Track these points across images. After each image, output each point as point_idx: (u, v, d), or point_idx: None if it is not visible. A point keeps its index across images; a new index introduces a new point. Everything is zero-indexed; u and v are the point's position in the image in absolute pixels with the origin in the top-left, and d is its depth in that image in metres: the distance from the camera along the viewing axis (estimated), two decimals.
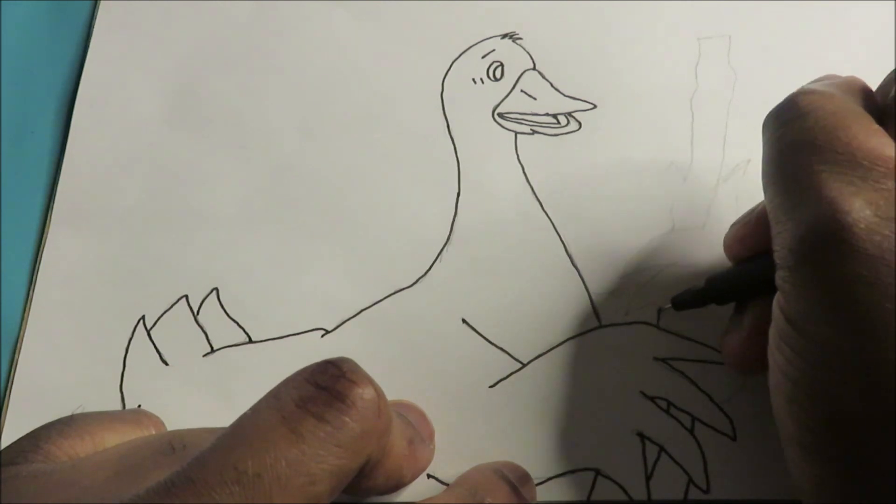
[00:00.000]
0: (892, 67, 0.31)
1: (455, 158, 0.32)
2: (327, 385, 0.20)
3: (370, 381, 0.21)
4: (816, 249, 0.19)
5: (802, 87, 0.23)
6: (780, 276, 0.21)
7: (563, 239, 0.30)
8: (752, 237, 0.25)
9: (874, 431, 0.19)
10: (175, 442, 0.22)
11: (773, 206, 0.22)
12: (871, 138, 0.20)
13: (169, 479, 0.18)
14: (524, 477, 0.26)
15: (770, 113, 0.23)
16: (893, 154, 0.20)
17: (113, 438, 0.24)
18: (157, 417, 0.27)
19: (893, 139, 0.20)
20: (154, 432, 0.26)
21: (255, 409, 0.20)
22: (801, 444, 0.20)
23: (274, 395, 0.20)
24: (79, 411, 0.29)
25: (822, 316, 0.19)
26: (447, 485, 0.27)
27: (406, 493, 0.27)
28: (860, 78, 0.24)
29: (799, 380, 0.20)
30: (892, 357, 0.18)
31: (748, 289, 0.25)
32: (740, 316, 0.26)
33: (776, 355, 0.21)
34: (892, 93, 0.22)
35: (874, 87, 0.23)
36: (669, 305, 0.28)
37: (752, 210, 0.26)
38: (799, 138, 0.21)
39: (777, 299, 0.21)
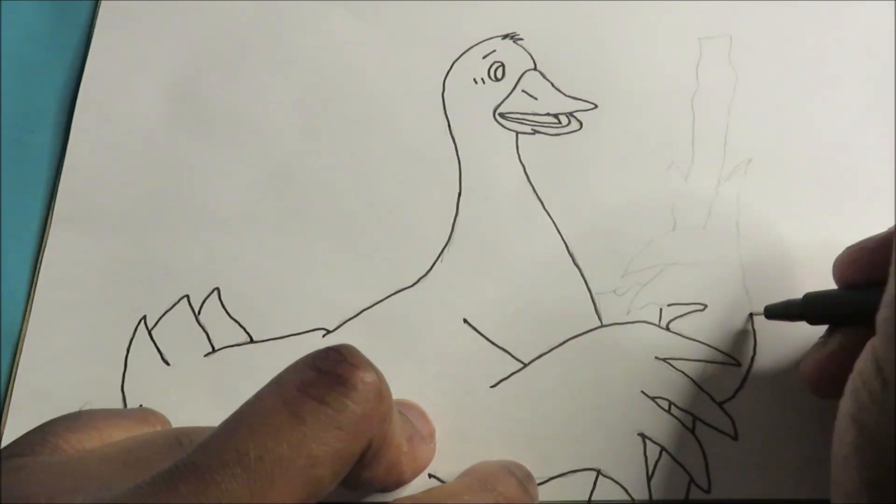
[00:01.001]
0: (892, 67, 0.32)
1: (456, 158, 0.32)
2: (329, 369, 0.20)
3: (371, 366, 0.21)
4: None
5: None
6: (881, 317, 0.20)
7: (565, 238, 0.30)
8: (866, 262, 0.24)
9: None
10: (182, 437, 0.22)
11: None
12: None
13: (173, 465, 0.18)
14: (528, 476, 0.26)
15: None
16: None
17: (119, 434, 0.24)
18: (164, 416, 0.27)
19: None
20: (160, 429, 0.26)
21: (258, 395, 0.20)
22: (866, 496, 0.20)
23: (276, 381, 0.20)
24: (85, 409, 0.29)
25: None
26: None
27: (406, 492, 0.27)
28: None
29: (869, 428, 0.19)
30: None
31: (848, 316, 0.24)
32: (827, 338, 0.25)
33: (852, 399, 0.20)
34: None
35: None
36: (761, 313, 0.28)
37: (874, 236, 0.25)
38: None
39: (873, 342, 0.20)
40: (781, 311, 0.27)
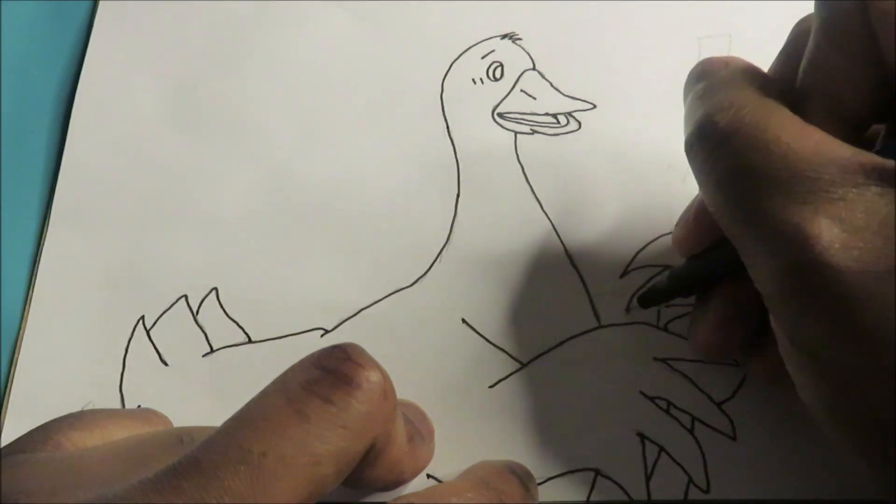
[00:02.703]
0: None
1: (455, 158, 0.32)
2: (333, 368, 0.20)
3: (376, 365, 0.21)
4: (800, 281, 0.19)
5: (710, 99, 0.21)
6: (770, 303, 0.20)
7: (563, 239, 0.30)
8: (694, 236, 0.26)
9: None
10: (184, 436, 0.22)
11: (732, 235, 0.21)
12: (803, 142, 0.19)
13: (176, 461, 0.18)
14: (529, 475, 0.26)
15: (690, 139, 0.22)
16: (828, 151, 0.19)
17: (122, 433, 0.24)
18: (166, 416, 0.27)
19: (810, 121, 0.20)
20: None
21: (262, 393, 0.20)
22: (857, 449, 0.21)
23: (281, 380, 0.20)
24: (87, 408, 0.29)
25: (829, 341, 0.19)
26: None
27: (405, 492, 0.27)
28: (740, 59, 0.23)
29: (834, 404, 0.20)
30: None
31: (707, 281, 0.26)
32: (704, 305, 0.26)
33: (800, 378, 0.21)
34: (801, 71, 0.21)
35: None
36: (636, 304, 0.28)
37: (689, 208, 0.26)
38: (733, 166, 0.20)
39: (776, 325, 0.21)
40: (656, 296, 0.27)
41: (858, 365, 0.19)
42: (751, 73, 0.22)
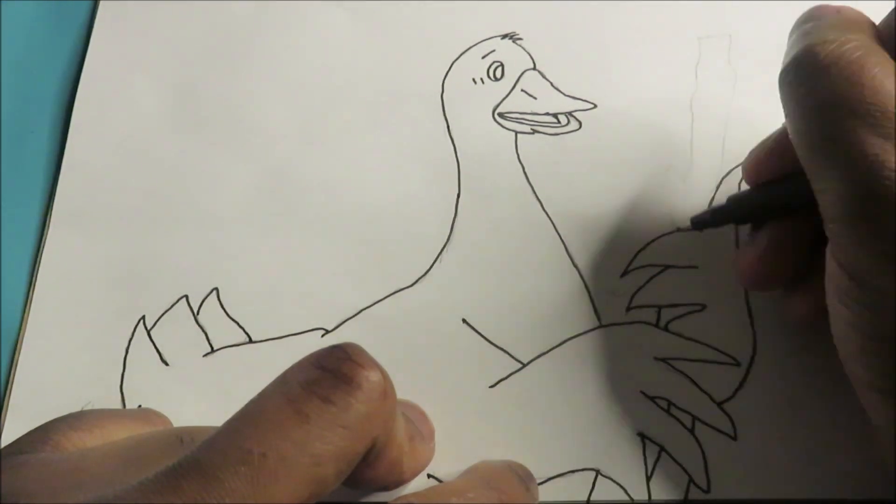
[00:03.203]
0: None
1: (455, 158, 0.32)
2: (334, 368, 0.20)
3: (376, 365, 0.21)
4: (869, 207, 0.20)
5: (815, 34, 0.22)
6: (832, 231, 0.21)
7: (564, 238, 0.30)
8: (766, 165, 0.26)
9: None
10: (184, 436, 0.22)
11: (810, 161, 0.22)
12: None
13: (177, 462, 0.18)
14: (529, 475, 0.26)
15: (787, 68, 0.23)
16: None
17: (122, 433, 0.24)
18: (166, 417, 0.27)
19: None
20: None
21: (262, 394, 0.20)
22: (879, 390, 0.21)
23: (281, 380, 0.20)
24: (87, 409, 0.29)
25: (887, 269, 0.20)
26: None
27: (406, 492, 0.27)
28: (853, 8, 0.24)
29: (870, 331, 0.21)
30: None
31: (770, 210, 0.26)
32: (756, 235, 0.27)
33: (840, 309, 0.22)
34: None
35: None
36: (689, 226, 0.28)
37: (770, 137, 0.27)
38: (826, 96, 0.21)
39: (832, 253, 0.22)
40: (710, 219, 0.28)
41: None
42: (860, 20, 0.23)
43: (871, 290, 0.21)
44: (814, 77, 0.21)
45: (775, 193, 0.26)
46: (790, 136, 0.23)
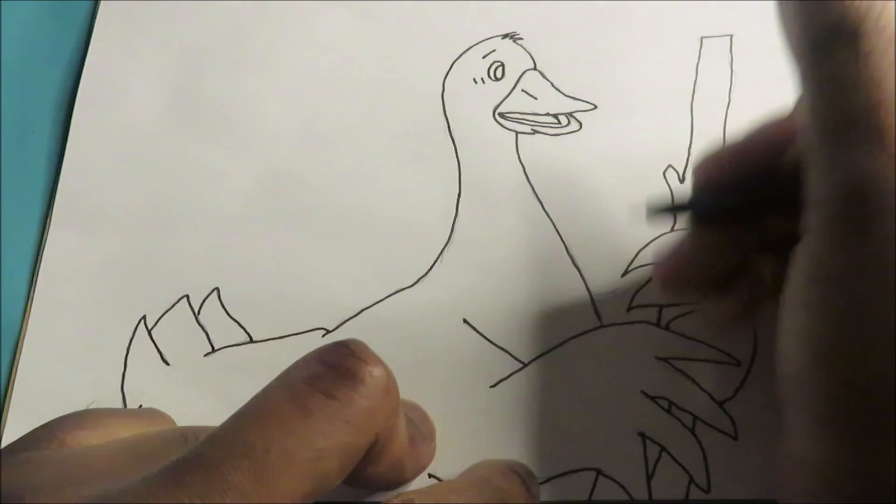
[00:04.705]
0: None
1: (455, 158, 0.32)
2: (337, 363, 0.20)
3: (379, 361, 0.21)
4: (864, 201, 0.19)
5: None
6: (810, 229, 0.20)
7: (564, 239, 0.30)
8: (732, 164, 0.25)
9: None
10: (189, 434, 0.22)
11: (815, 140, 0.20)
12: None
13: (180, 457, 0.18)
14: (531, 475, 0.26)
15: (818, 34, 0.21)
16: None
17: (126, 432, 0.24)
18: (170, 417, 0.27)
19: None
20: None
21: (266, 389, 0.20)
22: (816, 416, 0.19)
23: (284, 376, 0.20)
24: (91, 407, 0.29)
25: (862, 274, 0.19)
26: None
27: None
28: None
29: (824, 343, 0.19)
30: None
31: (734, 210, 0.25)
32: (691, 235, 0.26)
33: (798, 317, 0.20)
34: None
35: None
36: (647, 212, 0.27)
37: (735, 139, 0.26)
38: (858, 76, 0.19)
39: (800, 260, 0.20)
40: (667, 205, 0.26)
41: (880, 309, 0.18)
42: None
43: (841, 298, 0.19)
44: (846, 50, 0.20)
45: (739, 190, 0.25)
46: (803, 110, 0.21)
